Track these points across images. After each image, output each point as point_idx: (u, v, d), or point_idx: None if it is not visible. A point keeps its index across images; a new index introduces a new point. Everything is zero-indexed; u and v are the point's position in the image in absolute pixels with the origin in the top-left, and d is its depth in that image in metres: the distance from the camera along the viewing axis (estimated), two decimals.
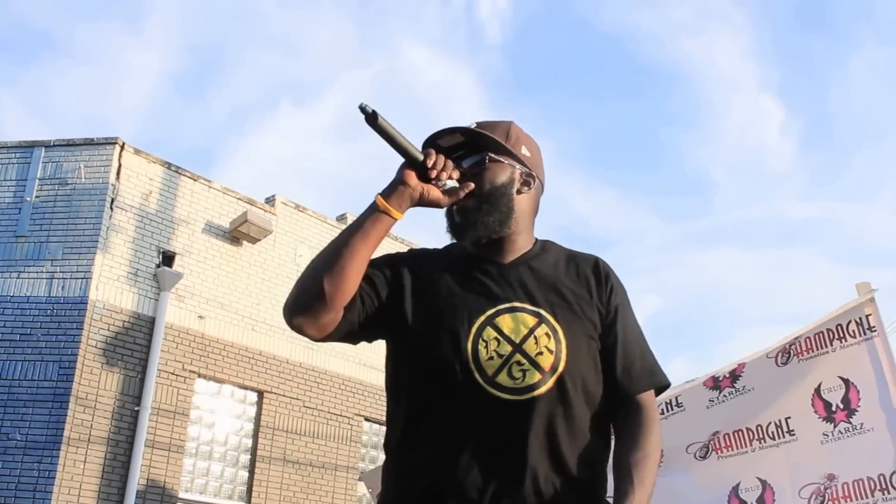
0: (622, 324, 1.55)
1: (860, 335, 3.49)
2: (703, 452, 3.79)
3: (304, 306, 1.42)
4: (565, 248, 1.65)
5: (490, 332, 1.42)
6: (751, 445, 3.67)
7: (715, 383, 3.82)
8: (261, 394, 9.58)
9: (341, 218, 11.40)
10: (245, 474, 9.30)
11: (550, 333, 1.44)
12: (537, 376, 1.40)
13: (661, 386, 1.57)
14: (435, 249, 1.66)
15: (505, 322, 1.44)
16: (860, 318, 3.48)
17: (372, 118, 1.38)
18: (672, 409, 3.90)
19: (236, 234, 9.75)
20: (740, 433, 3.71)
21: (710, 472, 3.73)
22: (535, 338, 1.42)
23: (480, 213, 1.51)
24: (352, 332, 1.49)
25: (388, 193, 1.44)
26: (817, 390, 3.55)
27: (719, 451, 3.74)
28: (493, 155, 1.53)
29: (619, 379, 1.52)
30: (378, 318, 1.49)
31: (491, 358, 1.40)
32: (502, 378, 1.40)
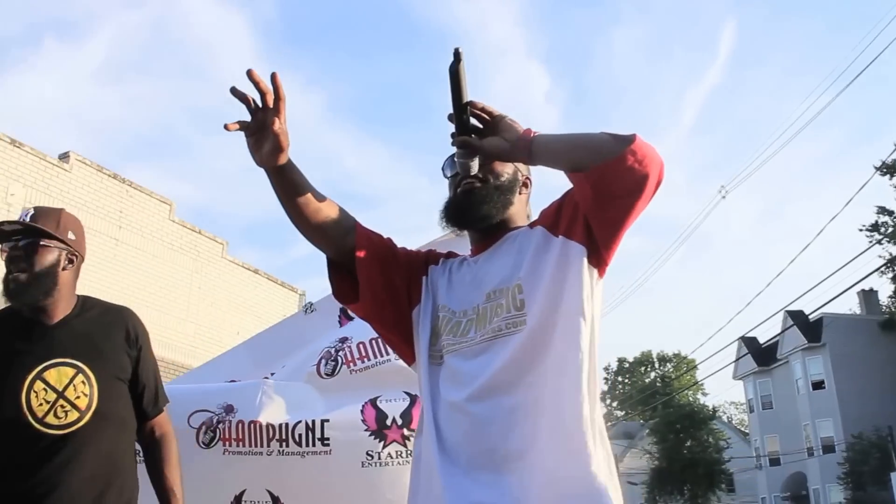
0: (144, 363, 2.09)
1: None
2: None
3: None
4: (104, 302, 2.08)
5: (39, 385, 1.90)
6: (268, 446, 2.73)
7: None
8: None
9: (63, 156, 10.85)
10: None
11: (86, 381, 1.94)
12: (76, 415, 1.91)
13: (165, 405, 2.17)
14: None
15: (51, 376, 1.92)
16: None
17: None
18: None
19: None
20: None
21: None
22: (74, 385, 1.93)
23: (30, 287, 1.93)
24: None
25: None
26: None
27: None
28: (44, 241, 1.96)
29: (144, 406, 2.08)
30: None
31: (41, 404, 1.89)
32: (50, 419, 1.89)
